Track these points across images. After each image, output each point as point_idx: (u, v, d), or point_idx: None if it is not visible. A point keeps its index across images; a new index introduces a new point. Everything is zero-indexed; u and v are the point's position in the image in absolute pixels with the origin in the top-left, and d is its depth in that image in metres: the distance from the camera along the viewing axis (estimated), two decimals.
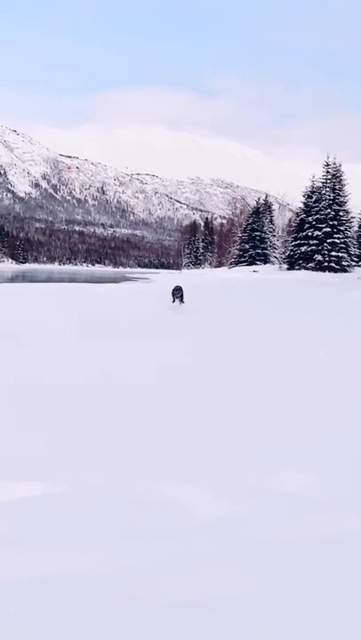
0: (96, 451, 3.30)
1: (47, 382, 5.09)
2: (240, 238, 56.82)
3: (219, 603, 1.78)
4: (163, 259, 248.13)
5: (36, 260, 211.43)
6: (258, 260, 53.99)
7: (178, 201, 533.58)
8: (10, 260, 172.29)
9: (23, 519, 2.37)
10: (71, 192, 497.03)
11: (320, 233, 41.80)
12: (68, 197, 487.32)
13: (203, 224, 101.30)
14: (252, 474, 2.95)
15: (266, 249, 55.02)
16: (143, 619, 1.68)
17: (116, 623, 1.65)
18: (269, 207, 61.04)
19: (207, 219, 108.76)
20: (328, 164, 44.34)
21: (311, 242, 42.15)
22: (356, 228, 45.03)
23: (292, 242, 45.24)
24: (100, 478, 2.84)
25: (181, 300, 13.26)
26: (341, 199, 43.22)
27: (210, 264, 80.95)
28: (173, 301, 13.28)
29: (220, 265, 71.43)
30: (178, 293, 13.27)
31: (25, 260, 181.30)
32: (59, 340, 7.76)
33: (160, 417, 4.07)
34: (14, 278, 48.82)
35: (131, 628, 1.63)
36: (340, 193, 43.51)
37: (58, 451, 3.25)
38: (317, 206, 43.02)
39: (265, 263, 53.30)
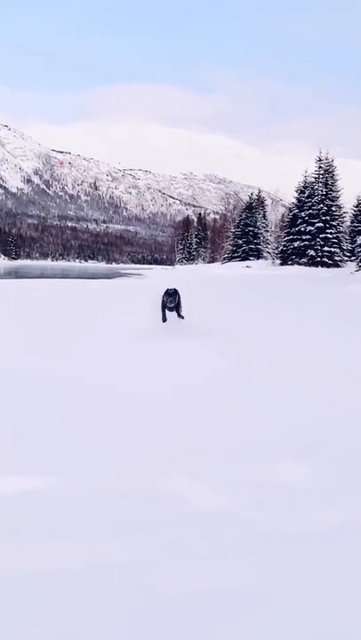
0: (95, 446, 3.30)
1: (56, 376, 5.09)
2: (233, 234, 56.84)
3: (218, 593, 1.80)
4: (156, 254, 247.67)
5: (28, 256, 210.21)
6: (251, 256, 54.07)
7: (171, 196, 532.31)
8: (2, 257, 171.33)
9: (24, 513, 2.38)
10: (63, 188, 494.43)
11: (313, 228, 41.92)
12: (60, 193, 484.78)
13: (196, 219, 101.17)
14: (249, 467, 2.96)
15: (259, 244, 55.10)
16: (144, 610, 1.69)
17: (117, 615, 1.66)
18: (262, 202, 61.05)
19: (200, 214, 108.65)
20: (321, 160, 44.44)
21: (304, 237, 42.27)
22: (348, 223, 45.20)
23: (284, 237, 45.34)
24: (100, 473, 2.85)
25: (179, 313, 8.28)
26: (334, 194, 43.35)
27: (203, 260, 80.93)
28: (164, 319, 8.14)
29: (213, 260, 71.46)
30: (171, 301, 8.19)
31: (17, 256, 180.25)
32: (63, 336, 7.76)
33: (157, 411, 4.08)
34: (6, 275, 48.53)
35: (131, 620, 1.64)
36: (333, 188, 43.64)
37: (58, 446, 3.25)
38: (310, 201, 43.13)
39: (258, 258, 53.39)
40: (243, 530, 2.27)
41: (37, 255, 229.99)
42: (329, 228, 41.77)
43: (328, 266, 40.47)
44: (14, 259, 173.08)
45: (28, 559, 2.00)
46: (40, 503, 2.48)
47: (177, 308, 8.25)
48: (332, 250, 41.48)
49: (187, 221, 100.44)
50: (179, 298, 8.31)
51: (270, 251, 53.17)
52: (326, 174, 43.92)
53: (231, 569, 1.97)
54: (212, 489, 2.67)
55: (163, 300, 8.22)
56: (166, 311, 8.18)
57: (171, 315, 8.19)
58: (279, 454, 3.17)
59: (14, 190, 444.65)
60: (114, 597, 1.76)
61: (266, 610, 1.71)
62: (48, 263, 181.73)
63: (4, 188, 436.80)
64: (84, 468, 2.92)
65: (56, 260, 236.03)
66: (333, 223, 42.18)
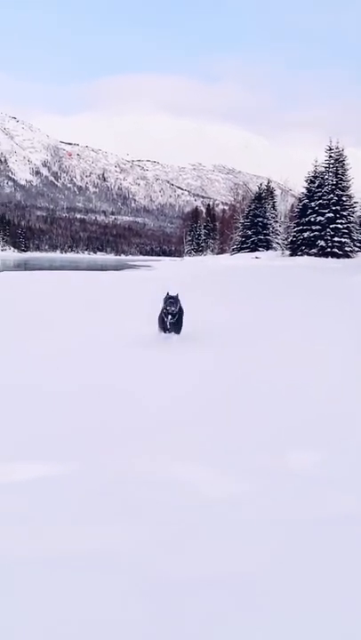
0: (106, 433, 3.32)
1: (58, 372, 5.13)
2: (242, 224, 56.56)
3: (228, 579, 1.81)
4: (164, 246, 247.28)
5: (37, 249, 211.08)
6: (260, 247, 53.81)
7: (179, 187, 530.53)
8: (12, 249, 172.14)
9: (40, 498, 2.41)
10: (72, 179, 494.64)
11: (323, 218, 41.59)
12: (68, 185, 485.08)
13: (204, 210, 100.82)
14: (258, 454, 2.97)
15: (268, 235, 54.80)
16: (153, 595, 1.71)
17: (127, 600, 1.69)
18: (272, 193, 60.63)
19: (209, 205, 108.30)
20: (331, 149, 43.97)
21: (314, 227, 41.96)
22: (359, 213, 44.74)
23: (294, 227, 45.04)
24: (110, 459, 2.87)
25: (178, 329, 6.41)
26: (344, 184, 42.93)
27: (212, 251, 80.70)
28: (165, 330, 6.42)
29: (222, 252, 71.23)
30: (171, 310, 6.29)
31: (27, 249, 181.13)
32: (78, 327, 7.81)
33: (166, 399, 4.11)
34: (16, 267, 48.73)
35: (141, 605, 1.66)
36: (343, 178, 43.21)
37: (69, 435, 3.28)
38: (320, 191, 42.75)
39: (267, 249, 53.13)
40: (252, 516, 2.27)
41: (46, 247, 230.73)
42: (339, 219, 41.42)
43: (338, 256, 40.17)
44: (24, 251, 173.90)
45: (37, 544, 2.03)
46: (48, 490, 2.50)
47: (177, 323, 6.32)
48: (343, 240, 41.16)
49: (195, 212, 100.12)
50: (179, 306, 6.36)
51: (280, 241, 52.86)
52: (337, 164, 43.47)
53: (241, 555, 1.97)
54: (221, 476, 2.68)
55: (163, 310, 6.35)
56: (166, 323, 6.31)
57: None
58: (288, 443, 3.17)
59: (23, 182, 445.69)
60: (121, 582, 1.78)
61: (275, 596, 1.72)
62: (57, 255, 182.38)
63: (13, 181, 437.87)
64: (91, 456, 2.94)
65: (65, 252, 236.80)
66: (344, 213, 41.82)
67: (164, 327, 6.38)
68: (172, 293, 6.40)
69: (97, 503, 2.38)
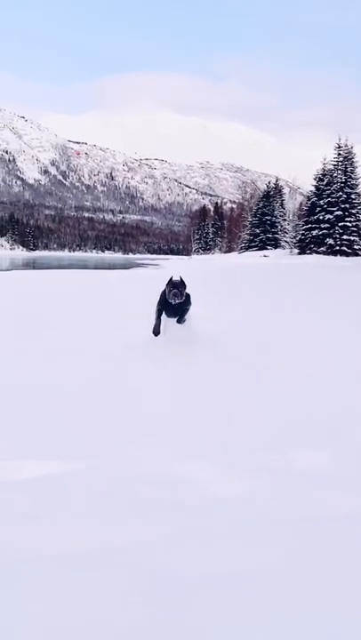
0: (111, 432, 3.32)
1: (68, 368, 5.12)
2: (250, 223, 56.43)
3: (232, 576, 1.81)
4: (172, 244, 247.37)
5: (46, 247, 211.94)
6: (268, 245, 53.64)
7: (187, 186, 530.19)
8: (20, 248, 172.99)
9: (43, 496, 2.43)
10: (80, 178, 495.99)
11: (332, 216, 41.34)
12: (77, 184, 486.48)
13: (212, 209, 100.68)
14: (263, 453, 2.96)
15: (276, 233, 54.62)
16: (158, 593, 1.72)
17: (132, 597, 1.69)
18: (280, 191, 60.42)
19: (217, 203, 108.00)
20: (340, 146, 43.67)
21: (323, 225, 41.72)
22: None
23: (303, 226, 44.81)
24: (115, 458, 2.88)
25: (181, 316, 5.74)
26: (353, 182, 42.62)
27: (220, 249, 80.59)
28: (157, 330, 5.68)
29: (230, 250, 71.09)
30: (175, 295, 5.57)
31: (35, 247, 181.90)
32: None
33: (166, 399, 4.08)
34: (24, 266, 48.94)
35: (146, 601, 1.67)
36: (353, 175, 42.90)
37: (71, 434, 3.28)
38: (329, 189, 42.48)
39: (276, 248, 52.95)
40: (260, 514, 2.27)
41: (55, 246, 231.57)
42: (348, 217, 41.14)
43: (347, 255, 39.91)
44: (32, 250, 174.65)
45: (42, 542, 2.04)
46: (52, 488, 2.51)
47: (181, 312, 5.65)
48: (352, 238, 40.89)
49: (203, 211, 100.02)
50: (187, 297, 5.73)
51: (288, 240, 52.65)
52: (346, 161, 43.17)
53: (243, 554, 1.97)
54: (229, 474, 2.67)
55: (161, 297, 5.64)
56: (164, 317, 5.66)
57: (169, 322, 5.73)
58: (296, 442, 3.14)
59: (31, 182, 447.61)
60: (128, 578, 1.79)
61: (281, 594, 1.72)
62: (65, 254, 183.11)
63: (22, 180, 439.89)
64: (93, 455, 2.94)
65: (73, 250, 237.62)
66: (353, 211, 41.53)
67: (159, 317, 5.64)
68: (176, 278, 5.68)
69: (100, 502, 2.38)
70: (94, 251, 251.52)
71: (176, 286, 5.59)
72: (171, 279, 5.68)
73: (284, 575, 1.83)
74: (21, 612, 1.61)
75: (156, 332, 5.69)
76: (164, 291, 5.68)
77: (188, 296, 5.78)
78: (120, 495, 2.44)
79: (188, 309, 5.80)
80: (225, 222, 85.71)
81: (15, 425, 3.43)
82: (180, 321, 5.67)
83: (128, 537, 2.07)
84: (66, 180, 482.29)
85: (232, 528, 2.16)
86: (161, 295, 5.75)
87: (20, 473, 2.69)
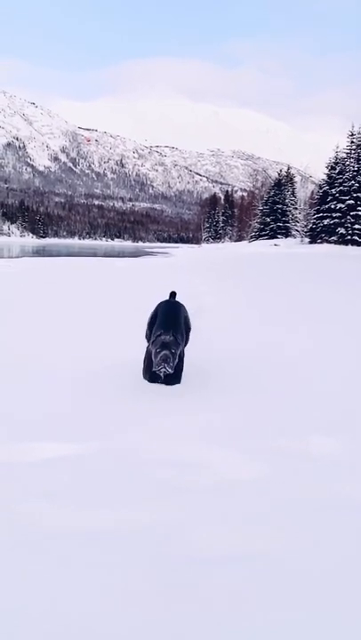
0: (127, 414, 3.34)
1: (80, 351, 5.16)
2: (261, 211, 55.93)
3: (248, 558, 1.83)
4: (182, 233, 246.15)
5: (56, 235, 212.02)
6: (279, 234, 53.22)
7: (198, 173, 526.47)
8: (30, 235, 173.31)
9: (59, 477, 2.45)
10: (90, 165, 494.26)
11: (343, 205, 40.85)
12: (87, 171, 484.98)
13: (223, 197, 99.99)
14: (280, 438, 2.97)
15: (287, 222, 54.13)
16: (174, 574, 1.74)
17: (148, 577, 1.71)
18: (291, 179, 59.72)
19: (227, 191, 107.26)
20: (353, 134, 43.00)
21: (334, 214, 41.26)
22: None
23: (314, 214, 44.36)
24: (131, 440, 2.90)
25: (174, 377, 3.89)
26: None
27: (230, 238, 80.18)
28: (151, 374, 3.94)
29: (240, 239, 70.69)
30: (164, 368, 3.78)
31: (45, 235, 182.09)
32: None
33: (190, 381, 4.09)
34: (35, 252, 49.05)
35: (162, 582, 1.69)
36: None
37: (90, 415, 3.30)
38: (341, 178, 41.94)
39: (286, 237, 52.52)
40: (273, 498, 2.28)
41: (65, 234, 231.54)
42: (360, 206, 40.64)
43: (359, 244, 39.51)
44: (42, 237, 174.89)
45: (65, 518, 2.08)
46: (72, 468, 2.54)
47: (174, 373, 3.87)
48: None
49: (214, 199, 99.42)
50: (187, 328, 4.16)
51: (299, 229, 52.20)
52: (359, 149, 42.53)
53: (262, 534, 1.98)
54: (243, 458, 2.69)
55: (151, 323, 4.11)
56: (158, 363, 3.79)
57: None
58: (310, 428, 3.15)
59: (42, 169, 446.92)
60: (145, 560, 1.81)
61: (294, 576, 1.73)
62: (75, 242, 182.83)
63: (32, 167, 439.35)
64: (115, 433, 2.97)
65: (83, 238, 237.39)
66: None
67: (149, 363, 3.96)
68: (165, 337, 3.79)
69: (114, 483, 2.40)
70: (104, 239, 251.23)
71: (166, 346, 3.75)
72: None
73: (296, 558, 1.84)
74: (43, 583, 1.66)
75: (146, 376, 4.05)
76: (148, 350, 4.04)
77: (187, 325, 4.21)
78: (134, 477, 2.45)
79: (183, 357, 4.00)
80: (235, 211, 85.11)
81: (19, 408, 3.46)
82: (172, 382, 3.92)
83: (144, 519, 2.08)
84: (76, 167, 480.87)
85: (246, 511, 2.17)
86: (147, 351, 4.08)
87: (33, 454, 2.71)
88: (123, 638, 1.46)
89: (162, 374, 3.87)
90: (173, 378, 3.91)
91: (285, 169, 61.33)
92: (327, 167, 44.11)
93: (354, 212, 40.41)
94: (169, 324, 3.92)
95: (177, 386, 3.96)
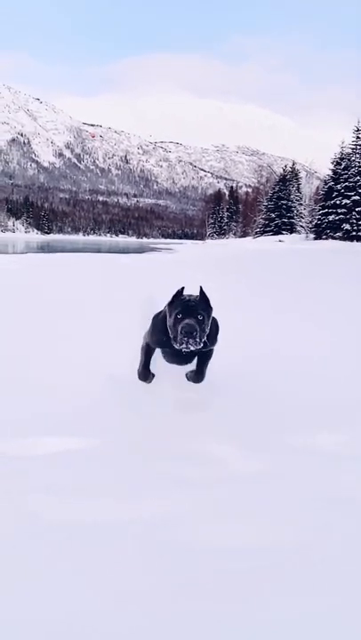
0: (127, 410, 3.31)
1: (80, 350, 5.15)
2: (266, 207, 55.76)
3: (259, 551, 1.82)
4: (186, 229, 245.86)
5: (60, 231, 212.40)
6: (284, 230, 53.06)
7: (202, 169, 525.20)
8: (35, 231, 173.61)
9: (69, 470, 2.47)
10: (95, 161, 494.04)
11: (349, 201, 40.68)
12: (91, 167, 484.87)
13: (227, 193, 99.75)
14: (289, 433, 2.97)
15: (292, 218, 53.95)
16: (184, 566, 1.74)
17: (157, 568, 1.71)
18: (296, 175, 59.47)
19: (232, 187, 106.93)
20: (358, 130, 42.74)
21: (339, 210, 41.10)
22: None
23: (319, 210, 44.18)
24: (140, 434, 2.90)
25: (200, 368, 3.13)
26: None
27: (234, 234, 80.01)
28: (145, 374, 3.31)
29: (244, 235, 70.53)
30: (190, 345, 2.63)
31: (50, 231, 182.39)
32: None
33: (183, 381, 4.06)
34: (40, 248, 49.05)
35: (163, 575, 1.69)
36: None
37: (91, 412, 3.29)
38: (346, 173, 41.74)
39: (291, 233, 52.36)
40: (276, 492, 2.27)
41: (69, 230, 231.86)
42: None
43: None
44: (47, 233, 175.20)
45: (69, 511, 2.09)
46: (84, 460, 2.56)
47: (200, 359, 3.14)
48: None
49: (218, 195, 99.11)
50: (213, 327, 2.97)
51: (304, 225, 52.02)
52: None
53: (272, 527, 1.98)
54: (252, 452, 2.69)
55: (157, 326, 3.07)
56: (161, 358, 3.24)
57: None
58: (313, 423, 3.12)
59: (46, 164, 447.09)
60: (154, 552, 1.81)
61: (297, 571, 1.73)
62: (80, 238, 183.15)
63: (37, 163, 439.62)
64: (124, 427, 2.97)
65: (87, 234, 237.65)
66: None
67: (147, 357, 3.30)
68: (188, 293, 2.89)
69: (117, 476, 2.40)
70: (108, 235, 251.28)
71: (192, 312, 2.72)
72: (179, 295, 2.84)
73: (299, 553, 1.84)
74: (45, 575, 1.67)
75: (145, 377, 3.36)
76: (163, 316, 2.99)
77: (214, 323, 3.03)
78: (135, 471, 2.46)
79: (211, 354, 3.18)
80: (240, 206, 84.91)
81: (27, 405, 3.43)
82: (197, 379, 3.18)
83: (153, 511, 2.09)
84: (80, 163, 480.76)
85: (258, 504, 2.17)
86: (156, 321, 3.12)
87: (36, 450, 2.72)
88: (123, 632, 1.45)
89: (186, 349, 2.70)
90: (200, 365, 2.96)
91: (290, 164, 61.10)
92: (332, 163, 43.90)
93: (359, 208, 40.23)
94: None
95: (179, 381, 3.40)
